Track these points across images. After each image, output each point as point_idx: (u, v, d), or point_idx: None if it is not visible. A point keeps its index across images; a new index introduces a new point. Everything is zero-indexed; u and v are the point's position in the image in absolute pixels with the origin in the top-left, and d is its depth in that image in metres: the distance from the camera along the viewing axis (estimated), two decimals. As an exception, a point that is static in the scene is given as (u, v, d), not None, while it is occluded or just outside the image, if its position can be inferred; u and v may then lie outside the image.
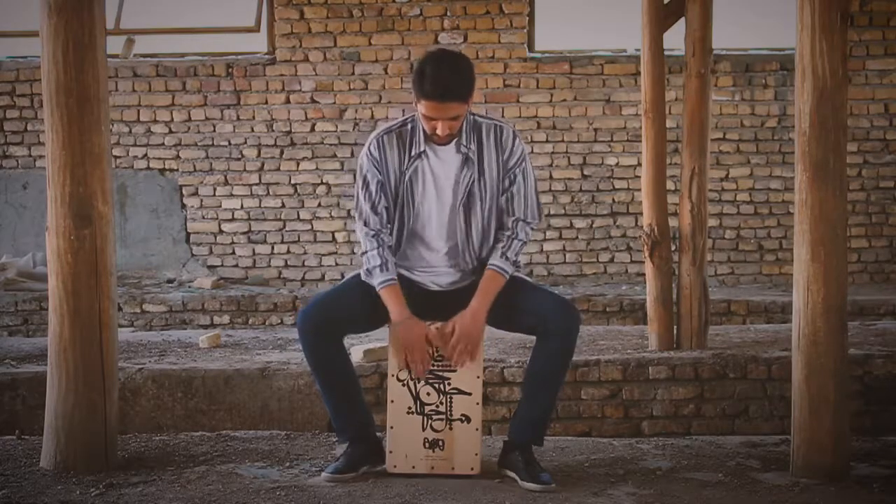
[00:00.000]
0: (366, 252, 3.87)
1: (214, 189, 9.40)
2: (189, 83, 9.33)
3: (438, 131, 3.75)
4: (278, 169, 9.37)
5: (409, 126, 3.87)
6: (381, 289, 3.82)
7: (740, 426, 5.33)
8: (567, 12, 9.46)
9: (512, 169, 3.88)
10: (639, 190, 6.98)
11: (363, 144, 4.00)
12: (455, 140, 3.83)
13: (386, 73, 9.25)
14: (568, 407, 5.33)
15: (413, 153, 3.84)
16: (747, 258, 9.29)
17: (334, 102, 9.32)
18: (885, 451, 4.28)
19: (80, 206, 3.89)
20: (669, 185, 6.35)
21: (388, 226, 3.89)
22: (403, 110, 3.93)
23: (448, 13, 9.22)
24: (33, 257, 9.08)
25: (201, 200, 9.42)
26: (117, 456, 4.07)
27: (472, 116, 3.87)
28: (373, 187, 3.87)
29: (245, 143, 9.36)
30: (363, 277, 3.88)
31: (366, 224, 3.87)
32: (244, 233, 9.41)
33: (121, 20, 9.24)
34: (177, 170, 9.40)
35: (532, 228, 3.94)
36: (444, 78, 3.66)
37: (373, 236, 3.86)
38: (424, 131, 3.82)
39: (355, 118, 9.29)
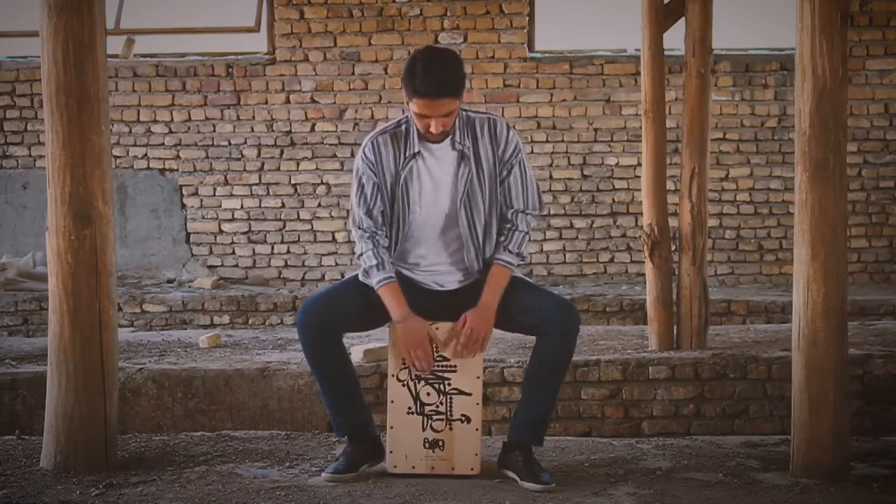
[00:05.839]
0: (362, 253, 3.86)
1: (214, 189, 9.40)
2: (189, 83, 9.33)
3: (432, 129, 3.74)
4: (278, 169, 9.37)
5: (404, 127, 3.87)
6: (380, 288, 3.81)
7: (740, 426, 5.33)
8: (567, 12, 9.46)
9: (508, 160, 3.88)
10: (639, 190, 6.98)
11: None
12: (449, 137, 3.83)
13: (386, 73, 9.25)
14: (568, 407, 5.33)
15: (408, 154, 3.84)
16: (747, 258, 9.29)
17: (334, 102, 9.32)
18: (885, 451, 4.28)
19: (80, 206, 3.89)
20: (669, 185, 6.35)
21: (384, 227, 3.88)
22: (403, 110, 3.92)
23: (448, 13, 9.22)
24: (33, 257, 9.08)
25: (201, 200, 9.42)
26: (117, 456, 4.07)
27: (464, 112, 3.86)
28: (368, 190, 3.86)
29: (245, 143, 9.36)
30: (361, 278, 3.88)
31: (360, 227, 3.87)
32: (244, 233, 9.41)
33: (121, 20, 9.25)
34: (177, 170, 9.40)
35: (534, 218, 3.94)
36: (435, 75, 3.66)
37: (368, 238, 3.85)
38: (419, 131, 3.82)
39: (355, 118, 9.30)
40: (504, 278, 3.85)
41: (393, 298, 3.81)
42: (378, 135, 3.89)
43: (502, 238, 3.89)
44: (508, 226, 3.90)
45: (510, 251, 3.87)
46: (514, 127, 3.96)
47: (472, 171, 3.84)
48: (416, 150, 3.83)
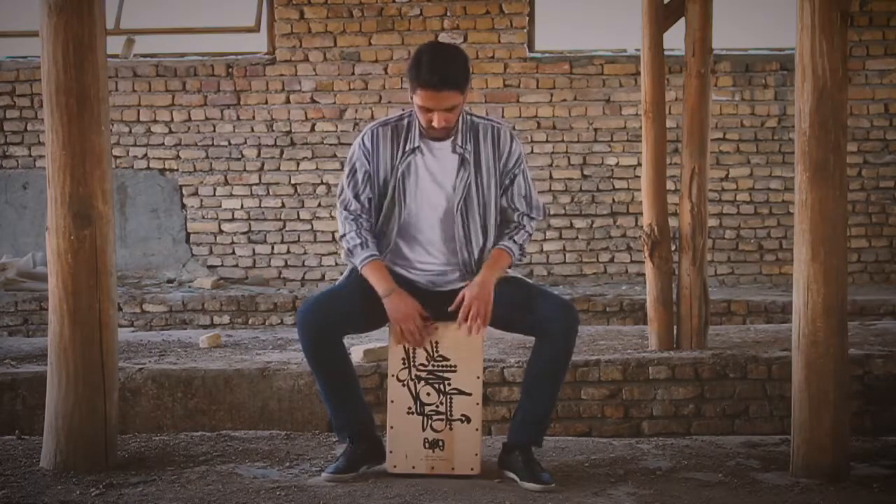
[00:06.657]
0: (345, 234, 3.88)
1: (214, 189, 9.40)
2: (189, 83, 9.33)
3: (434, 123, 3.73)
4: (278, 169, 9.37)
5: (406, 121, 3.87)
6: (364, 266, 3.81)
7: (740, 426, 5.33)
8: (567, 12, 9.46)
9: (512, 170, 3.89)
10: (639, 190, 6.98)
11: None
12: (451, 140, 3.83)
13: (386, 73, 9.25)
14: (568, 407, 5.33)
15: (407, 148, 3.84)
16: (747, 258, 9.30)
17: (334, 102, 9.32)
18: (885, 451, 4.28)
19: (80, 206, 3.89)
20: (669, 185, 6.35)
21: (368, 213, 3.89)
22: (403, 109, 3.92)
23: (448, 13, 9.22)
24: (33, 257, 9.08)
25: (201, 200, 9.42)
26: (117, 456, 4.07)
27: (468, 117, 3.87)
28: (359, 176, 3.88)
29: (245, 143, 9.36)
30: (344, 258, 3.90)
31: (346, 208, 3.90)
32: (244, 233, 9.41)
33: (121, 20, 9.25)
34: (177, 170, 9.40)
35: (536, 222, 3.97)
36: (441, 66, 3.66)
37: (352, 220, 3.88)
38: (420, 128, 3.81)
39: (355, 118, 9.30)
40: (504, 260, 3.85)
41: (377, 274, 3.80)
42: (379, 125, 3.90)
43: (507, 230, 3.91)
44: (513, 225, 3.92)
45: (514, 241, 3.89)
46: (515, 130, 3.97)
47: (471, 176, 3.84)
48: (416, 144, 3.83)
